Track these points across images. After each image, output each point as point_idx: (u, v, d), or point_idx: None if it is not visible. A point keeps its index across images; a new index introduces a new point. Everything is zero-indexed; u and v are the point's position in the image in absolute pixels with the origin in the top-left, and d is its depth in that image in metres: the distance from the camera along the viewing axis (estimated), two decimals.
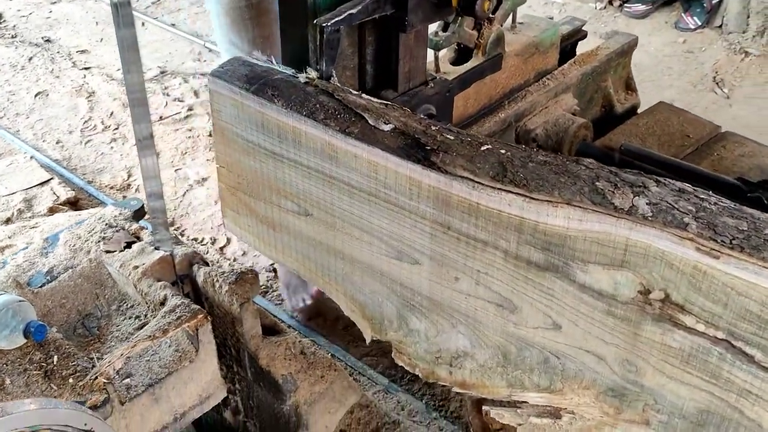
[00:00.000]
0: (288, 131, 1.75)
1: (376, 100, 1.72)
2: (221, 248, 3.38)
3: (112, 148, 3.97)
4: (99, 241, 2.19)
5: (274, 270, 3.23)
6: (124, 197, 3.62)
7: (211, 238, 3.42)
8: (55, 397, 1.73)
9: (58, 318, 2.04)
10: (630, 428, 1.53)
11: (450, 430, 2.55)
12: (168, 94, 4.34)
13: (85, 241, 2.21)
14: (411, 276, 1.72)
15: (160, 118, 4.11)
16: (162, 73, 4.56)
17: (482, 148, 1.53)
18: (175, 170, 3.78)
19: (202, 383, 2.02)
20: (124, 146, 3.97)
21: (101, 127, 4.10)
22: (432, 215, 1.59)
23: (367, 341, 1.97)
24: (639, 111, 3.07)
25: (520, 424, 1.72)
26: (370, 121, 1.65)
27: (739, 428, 1.37)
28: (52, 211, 3.20)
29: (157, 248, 2.13)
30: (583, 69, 2.73)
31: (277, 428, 2.28)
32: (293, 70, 1.86)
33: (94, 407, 1.73)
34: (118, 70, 4.55)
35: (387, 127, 1.63)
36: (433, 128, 1.61)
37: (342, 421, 2.26)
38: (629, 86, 3.06)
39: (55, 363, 1.82)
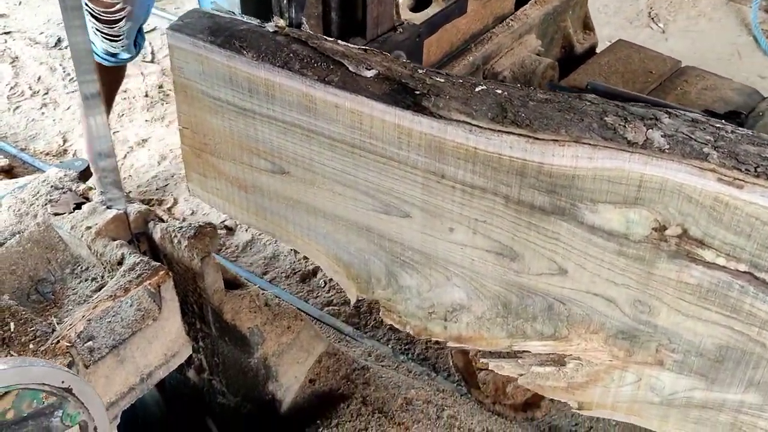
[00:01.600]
0: (260, 84, 1.64)
1: (353, 45, 1.62)
2: (169, 209, 3.22)
3: (43, 113, 3.73)
4: (46, 204, 2.07)
5: (226, 227, 3.11)
6: (62, 164, 3.43)
7: (157, 200, 3.26)
8: None
9: (10, 285, 1.93)
10: (642, 370, 1.49)
11: (419, 371, 2.51)
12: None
13: (31, 205, 2.09)
14: (401, 230, 1.64)
15: None
16: None
17: (477, 89, 1.44)
18: (113, 133, 3.56)
19: (167, 341, 1.94)
20: (56, 111, 3.74)
21: (29, 93, 3.86)
22: (424, 164, 1.50)
23: (352, 302, 1.89)
24: (597, 50, 3.04)
25: (521, 374, 1.66)
26: (350, 68, 1.54)
27: (761, 361, 1.33)
28: None
29: (109, 207, 2.01)
30: (544, 9, 2.66)
31: (245, 382, 2.22)
32: (258, 20, 1.74)
33: None
34: (42, 33, 4.29)
35: (370, 73, 1.53)
36: (420, 72, 1.52)
37: (311, 371, 2.21)
38: (587, 26, 3.02)
39: (12, 330, 1.70)
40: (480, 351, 1.72)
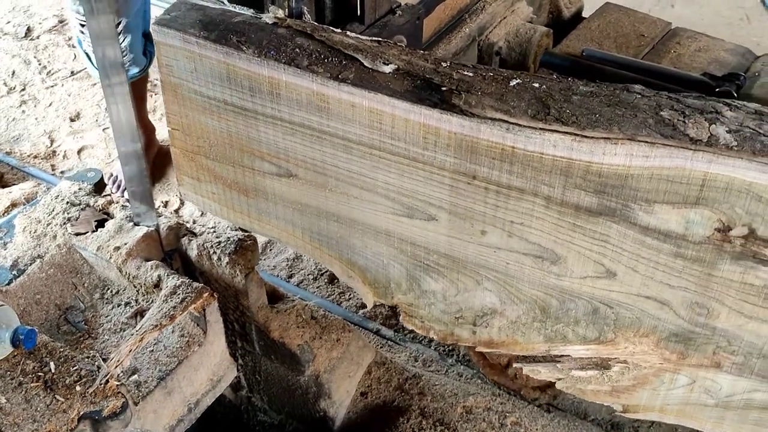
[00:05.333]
0: (262, 83, 1.49)
1: (365, 37, 1.48)
2: (176, 211, 2.99)
3: (23, 112, 3.46)
4: (64, 223, 1.89)
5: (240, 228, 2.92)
6: (53, 167, 3.19)
7: (162, 202, 3.02)
8: (64, 410, 1.51)
9: (37, 316, 1.77)
10: (696, 372, 1.41)
11: (469, 374, 2.37)
12: (74, 46, 3.81)
13: (47, 225, 1.91)
14: (425, 234, 1.52)
15: (72, 73, 3.62)
16: (61, 22, 3.98)
17: (511, 84, 1.32)
18: (103, 129, 3.32)
19: (212, 366, 1.82)
20: (37, 108, 3.47)
21: (5, 90, 3.57)
22: (453, 165, 1.38)
23: (369, 307, 1.78)
24: (584, 14, 2.93)
25: (559, 379, 1.57)
26: (365, 63, 1.41)
27: None
28: None
29: (137, 224, 1.86)
30: None
31: (290, 400, 2.10)
32: (252, 11, 1.59)
33: (113, 415, 1.52)
34: (8, 23, 3.99)
35: (388, 69, 1.40)
36: (444, 65, 1.39)
37: (361, 383, 2.08)
38: None
39: (53, 370, 1.57)
40: (514, 355, 1.63)
